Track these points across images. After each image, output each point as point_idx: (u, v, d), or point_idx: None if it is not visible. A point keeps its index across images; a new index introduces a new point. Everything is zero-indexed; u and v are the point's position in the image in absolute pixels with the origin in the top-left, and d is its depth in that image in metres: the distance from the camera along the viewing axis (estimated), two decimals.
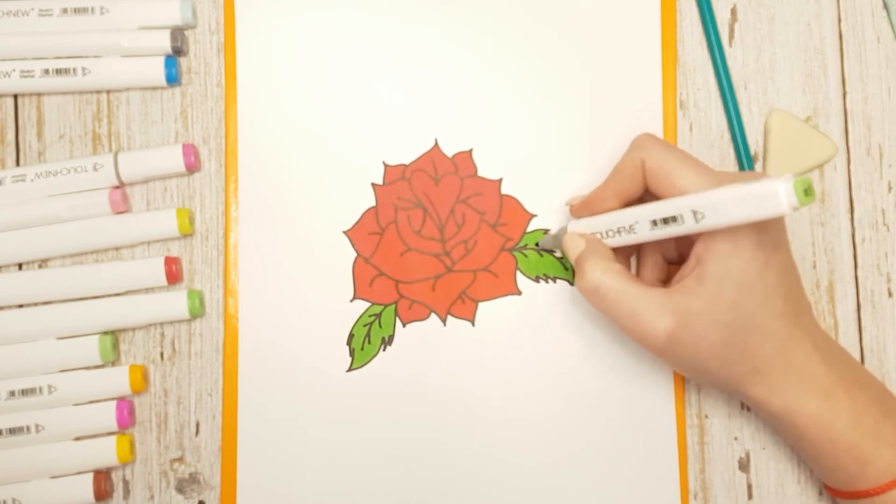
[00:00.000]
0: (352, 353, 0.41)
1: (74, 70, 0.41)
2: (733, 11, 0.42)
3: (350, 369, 0.41)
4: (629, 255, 0.40)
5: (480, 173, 0.42)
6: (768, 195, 0.30)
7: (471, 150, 0.42)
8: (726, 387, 0.36)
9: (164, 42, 0.41)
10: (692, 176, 0.34)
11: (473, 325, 0.41)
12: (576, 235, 0.38)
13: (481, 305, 0.41)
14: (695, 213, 0.32)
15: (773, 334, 0.34)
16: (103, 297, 0.40)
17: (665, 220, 0.34)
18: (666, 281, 0.39)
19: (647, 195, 0.37)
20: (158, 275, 0.40)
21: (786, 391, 0.35)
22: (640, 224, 0.35)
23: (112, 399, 0.40)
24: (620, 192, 0.37)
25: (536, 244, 0.41)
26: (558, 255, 0.41)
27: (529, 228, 0.41)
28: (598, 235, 0.37)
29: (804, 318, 0.35)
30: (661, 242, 0.38)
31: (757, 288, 0.33)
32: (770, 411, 0.36)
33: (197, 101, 0.42)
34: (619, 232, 0.36)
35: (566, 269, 0.41)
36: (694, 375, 0.36)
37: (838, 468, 0.35)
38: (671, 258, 0.39)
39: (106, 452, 0.39)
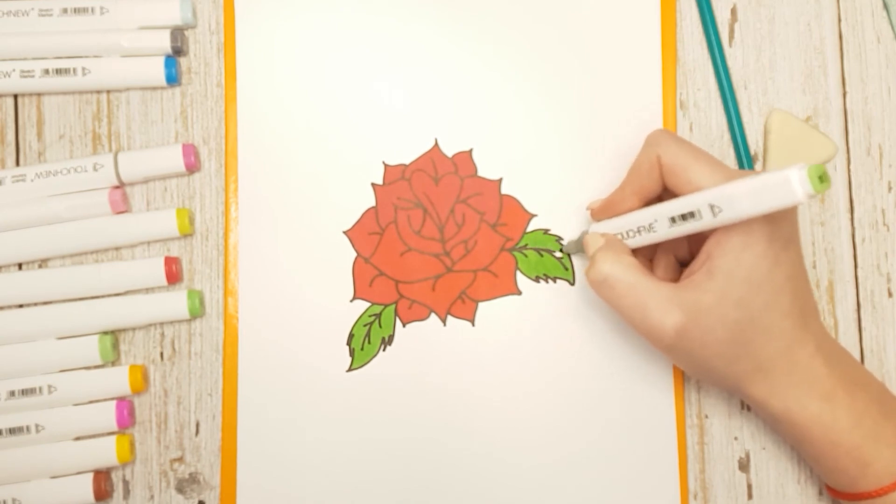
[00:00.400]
0: (352, 353, 0.41)
1: (74, 70, 0.41)
2: (733, 11, 0.43)
3: (350, 369, 0.41)
4: (650, 256, 0.40)
5: (480, 173, 0.42)
6: (783, 184, 0.30)
7: (471, 150, 0.42)
8: (728, 385, 0.36)
9: (164, 42, 0.41)
10: (707, 171, 0.34)
11: (473, 325, 0.41)
12: (597, 235, 0.38)
13: (481, 305, 0.41)
14: (712, 207, 0.32)
15: (778, 334, 0.34)
16: (103, 297, 0.40)
17: (683, 217, 0.34)
18: (678, 281, 0.39)
19: (665, 194, 0.37)
20: (158, 275, 0.40)
21: (787, 392, 0.35)
22: (658, 222, 0.35)
23: (112, 399, 0.40)
24: (639, 190, 0.37)
25: (560, 250, 0.41)
26: (559, 255, 0.41)
27: (529, 228, 0.41)
28: (620, 237, 0.37)
29: (810, 320, 0.35)
30: (673, 243, 0.38)
31: (765, 286, 0.33)
32: (770, 412, 0.35)
33: (197, 101, 0.42)
34: (639, 231, 0.36)
35: (566, 269, 0.41)
36: (697, 372, 0.36)
37: (839, 469, 0.35)
38: (683, 258, 0.39)
39: (106, 452, 0.39)
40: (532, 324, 0.41)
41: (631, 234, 0.36)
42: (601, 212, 0.39)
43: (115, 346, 0.41)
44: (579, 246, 0.40)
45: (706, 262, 0.34)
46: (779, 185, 0.30)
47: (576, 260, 0.41)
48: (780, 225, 0.33)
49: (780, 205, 0.30)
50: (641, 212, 0.36)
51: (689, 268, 0.36)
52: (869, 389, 0.36)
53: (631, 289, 0.35)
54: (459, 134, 0.42)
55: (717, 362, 0.35)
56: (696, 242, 0.38)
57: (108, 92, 0.42)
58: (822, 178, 0.30)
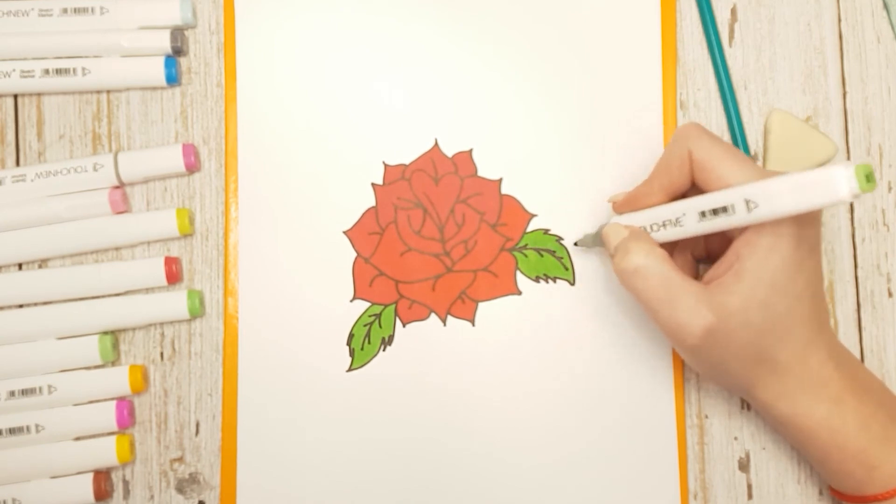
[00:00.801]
0: (352, 353, 0.41)
1: (74, 70, 0.41)
2: (733, 11, 0.43)
3: (350, 369, 0.41)
4: (669, 253, 0.38)
5: (480, 173, 0.42)
6: (828, 181, 0.29)
7: (471, 150, 0.42)
8: (737, 387, 0.36)
9: (164, 42, 0.41)
10: (739, 168, 0.33)
11: (473, 325, 0.41)
12: (619, 225, 0.37)
13: (481, 305, 0.41)
14: (748, 202, 0.31)
15: (795, 339, 0.34)
16: (103, 297, 0.40)
17: (715, 211, 0.33)
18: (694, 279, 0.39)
19: (690, 191, 0.36)
20: (158, 275, 0.40)
21: (796, 395, 0.35)
22: (687, 216, 0.34)
23: (112, 399, 0.40)
24: (668, 186, 0.36)
25: (575, 244, 0.41)
26: (559, 255, 0.41)
27: (529, 228, 0.41)
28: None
29: (824, 326, 0.35)
30: (691, 241, 0.38)
31: (788, 290, 0.33)
32: (777, 414, 0.35)
33: (197, 101, 0.42)
34: (664, 225, 0.35)
35: (566, 269, 0.41)
36: (710, 373, 0.36)
37: (845, 472, 0.35)
38: (699, 256, 0.39)
39: (106, 452, 0.39)
40: (532, 324, 0.41)
41: (656, 227, 0.35)
42: (625, 205, 0.38)
43: (115, 346, 0.41)
44: (597, 240, 0.39)
45: (735, 263, 0.33)
46: (823, 183, 0.29)
47: (576, 260, 0.41)
48: (807, 229, 0.33)
49: (822, 203, 0.30)
50: (670, 205, 0.35)
51: (714, 268, 0.35)
52: (876, 394, 0.36)
53: (664, 282, 0.34)
54: (459, 134, 0.42)
55: (734, 365, 0.34)
56: (713, 241, 0.38)
57: (108, 92, 0.42)
58: (869, 178, 0.29)
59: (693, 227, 0.34)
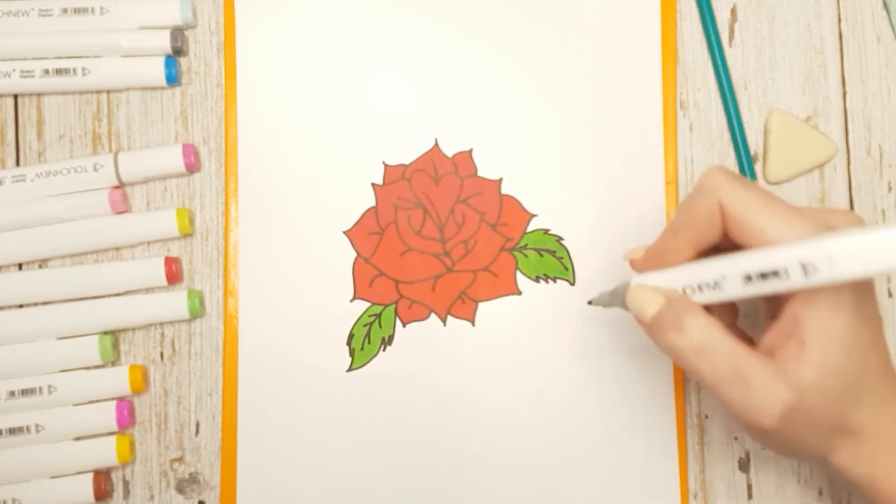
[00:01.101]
0: (352, 353, 0.41)
1: (74, 70, 0.41)
2: (733, 11, 0.43)
3: (350, 369, 0.41)
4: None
5: (480, 173, 0.42)
6: None
7: (471, 150, 0.42)
8: (808, 458, 0.33)
9: (164, 42, 0.41)
10: (785, 221, 0.29)
11: (473, 325, 0.41)
12: (648, 289, 0.32)
13: (481, 305, 0.41)
14: (804, 266, 0.27)
15: (868, 397, 0.31)
16: (103, 297, 0.40)
17: (763, 275, 0.28)
18: (732, 325, 0.35)
19: (722, 242, 0.32)
20: (158, 275, 0.40)
21: (873, 457, 0.31)
22: (728, 280, 0.29)
23: (112, 399, 0.40)
24: (695, 241, 0.31)
25: (589, 302, 0.37)
26: (559, 255, 0.41)
27: (529, 228, 0.41)
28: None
29: (893, 375, 0.32)
30: None
31: (857, 348, 0.30)
32: (851, 478, 0.32)
33: (197, 101, 0.42)
34: (699, 288, 0.31)
35: (566, 269, 0.41)
36: (784, 451, 0.33)
37: None
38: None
39: (106, 452, 0.39)
40: (532, 324, 0.41)
41: (690, 290, 0.31)
42: (647, 263, 0.33)
43: (115, 346, 0.41)
44: (617, 299, 0.34)
45: (796, 329, 0.30)
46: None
47: (576, 260, 0.41)
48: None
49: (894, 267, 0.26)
50: (704, 264, 0.30)
51: (772, 333, 0.31)
52: None
53: (730, 360, 0.30)
54: (459, 134, 0.42)
55: (810, 440, 0.31)
56: None
57: (108, 92, 0.42)
58: None
59: (735, 291, 0.29)
